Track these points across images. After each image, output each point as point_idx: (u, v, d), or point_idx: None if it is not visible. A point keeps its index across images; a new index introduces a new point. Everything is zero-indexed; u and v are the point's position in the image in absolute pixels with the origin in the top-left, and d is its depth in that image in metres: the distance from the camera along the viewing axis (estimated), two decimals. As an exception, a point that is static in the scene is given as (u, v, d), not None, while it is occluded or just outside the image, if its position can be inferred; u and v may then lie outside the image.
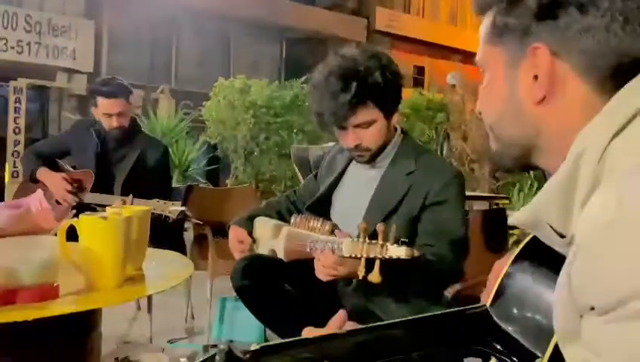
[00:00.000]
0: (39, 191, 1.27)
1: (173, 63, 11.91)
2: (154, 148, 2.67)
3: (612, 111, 0.55)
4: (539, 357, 0.66)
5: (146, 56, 11.48)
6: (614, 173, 0.52)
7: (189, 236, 3.21)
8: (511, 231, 3.14)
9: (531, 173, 5.04)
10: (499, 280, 0.78)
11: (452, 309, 0.81)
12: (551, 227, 0.58)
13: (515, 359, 0.71)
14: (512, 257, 0.78)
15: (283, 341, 0.68)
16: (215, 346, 2.81)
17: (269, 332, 2.74)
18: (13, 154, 8.01)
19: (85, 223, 1.03)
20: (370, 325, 0.75)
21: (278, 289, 1.63)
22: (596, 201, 0.51)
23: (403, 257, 1.20)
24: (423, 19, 16.85)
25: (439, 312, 0.80)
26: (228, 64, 12.47)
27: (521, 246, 0.78)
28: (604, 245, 0.47)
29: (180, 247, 2.90)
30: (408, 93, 9.76)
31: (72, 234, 1.03)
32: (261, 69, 12.33)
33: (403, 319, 0.76)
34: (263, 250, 1.69)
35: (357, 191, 1.68)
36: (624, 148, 0.52)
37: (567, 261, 0.54)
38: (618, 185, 0.49)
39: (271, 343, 0.66)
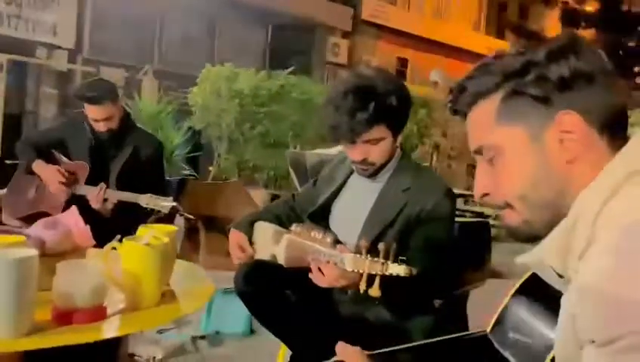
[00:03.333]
0: (74, 209, 1.32)
1: (156, 43, 11.76)
2: (148, 143, 2.66)
3: (603, 180, 0.67)
4: None
5: (130, 34, 11.30)
6: (610, 231, 0.63)
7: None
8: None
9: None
10: (498, 310, 0.90)
11: (459, 334, 0.92)
12: (552, 268, 0.71)
13: None
14: (512, 291, 0.90)
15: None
16: (203, 337, 2.90)
17: (255, 324, 2.83)
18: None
19: (127, 248, 1.12)
20: (383, 350, 0.84)
21: (278, 295, 1.72)
22: (596, 255, 0.62)
23: (402, 275, 1.31)
24: (409, 12, 16.95)
25: (448, 337, 0.90)
26: (212, 46, 12.37)
27: (518, 284, 0.90)
28: (603, 292, 0.59)
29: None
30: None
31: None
32: (246, 54, 12.27)
33: (418, 343, 0.86)
34: (262, 254, 1.77)
35: (356, 202, 1.77)
36: (618, 211, 0.64)
37: (564, 297, 0.67)
38: (616, 241, 0.61)
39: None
